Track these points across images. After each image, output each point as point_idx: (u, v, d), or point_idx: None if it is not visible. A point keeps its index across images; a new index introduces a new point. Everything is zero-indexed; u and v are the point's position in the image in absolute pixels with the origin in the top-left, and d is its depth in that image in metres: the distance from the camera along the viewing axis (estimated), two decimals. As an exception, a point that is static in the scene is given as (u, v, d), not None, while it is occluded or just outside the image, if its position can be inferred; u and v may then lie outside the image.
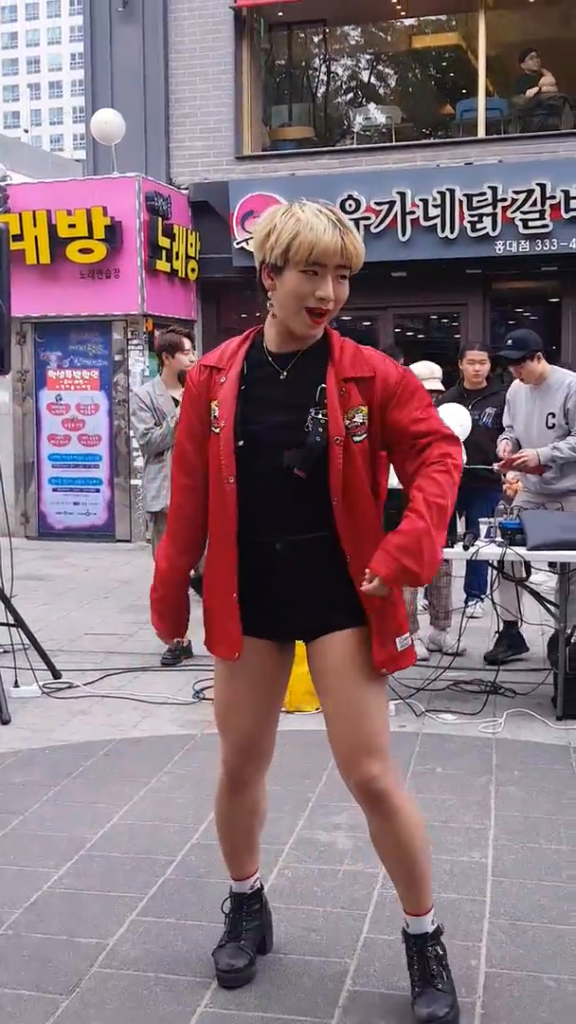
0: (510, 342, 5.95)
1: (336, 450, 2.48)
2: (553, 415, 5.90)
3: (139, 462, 7.57)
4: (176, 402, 6.13)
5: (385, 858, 2.67)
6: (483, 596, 6.95)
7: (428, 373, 6.48)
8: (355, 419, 2.51)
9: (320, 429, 2.49)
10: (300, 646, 2.72)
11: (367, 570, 2.46)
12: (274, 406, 2.54)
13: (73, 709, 5.37)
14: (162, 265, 11.38)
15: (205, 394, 2.62)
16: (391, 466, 2.64)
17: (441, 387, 6.63)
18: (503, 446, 6.13)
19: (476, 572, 6.68)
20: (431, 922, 2.66)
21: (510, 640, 6.21)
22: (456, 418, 6.20)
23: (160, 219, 11.30)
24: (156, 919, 3.15)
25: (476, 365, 7.04)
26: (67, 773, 4.42)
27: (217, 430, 2.57)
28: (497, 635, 6.30)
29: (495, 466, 6.21)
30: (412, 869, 2.62)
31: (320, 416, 2.49)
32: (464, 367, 7.16)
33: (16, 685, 5.57)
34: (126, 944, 3.00)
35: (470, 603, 6.74)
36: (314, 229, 2.40)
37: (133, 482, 10.86)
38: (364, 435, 2.53)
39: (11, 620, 5.84)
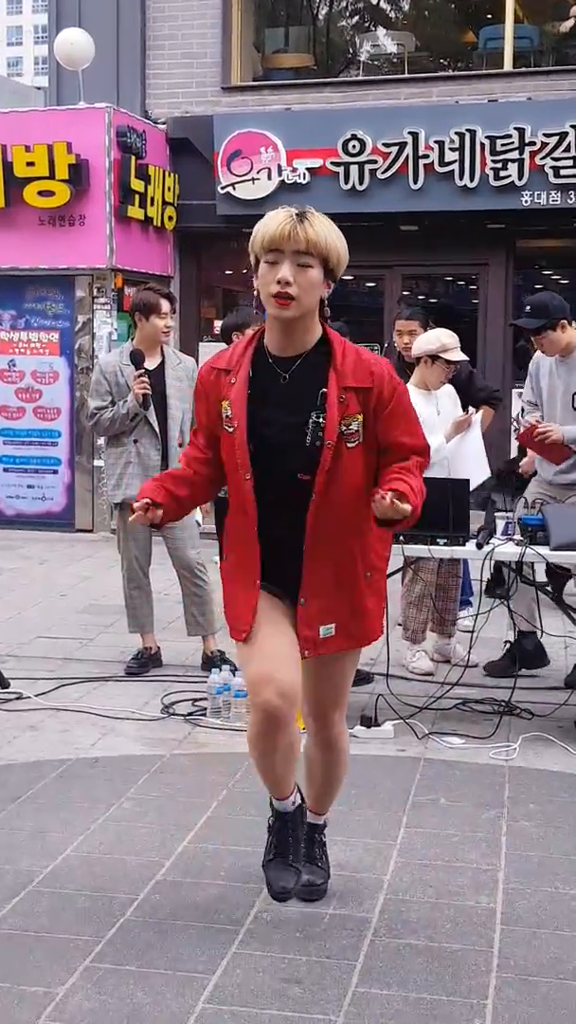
0: (528, 308, 5.97)
1: (326, 453, 3.11)
2: None
3: (102, 441, 7.54)
4: (146, 372, 6.11)
5: (315, 773, 3.58)
6: (471, 600, 7.04)
7: (453, 342, 6.49)
8: (351, 427, 3.15)
9: (320, 433, 3.12)
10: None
11: (381, 491, 3.01)
12: (277, 409, 3.16)
13: (22, 723, 5.38)
14: (135, 212, 11.35)
15: (215, 393, 3.26)
16: None
17: (464, 356, 6.63)
18: (531, 421, 6.10)
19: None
20: (324, 819, 3.68)
21: (523, 653, 6.20)
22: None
23: (133, 158, 11.27)
24: (114, 966, 3.16)
25: (404, 336, 7.09)
26: (13, 797, 4.43)
27: (231, 429, 3.19)
28: (507, 645, 6.29)
29: (515, 436, 6.32)
30: (333, 783, 3.62)
31: (320, 420, 3.12)
32: (395, 338, 7.29)
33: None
34: (78, 994, 3.01)
35: (461, 611, 6.87)
36: (269, 221, 3.08)
37: (97, 463, 10.85)
38: (358, 441, 3.17)
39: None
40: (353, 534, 3.24)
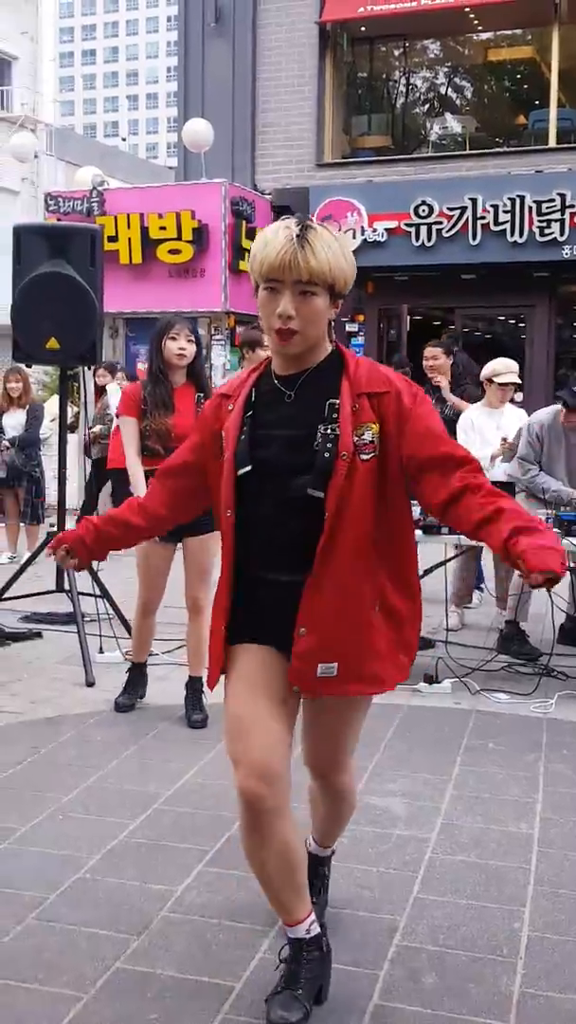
0: None
1: (340, 465, 2.23)
2: None
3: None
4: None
5: (319, 812, 2.78)
6: (482, 586, 6.95)
7: (504, 368, 6.48)
8: (364, 436, 2.25)
9: (329, 444, 2.24)
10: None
11: (531, 572, 1.98)
12: (280, 427, 2.31)
13: (152, 675, 5.43)
14: (245, 266, 11.40)
15: (215, 423, 2.44)
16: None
17: (518, 380, 6.58)
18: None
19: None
20: (330, 851, 2.90)
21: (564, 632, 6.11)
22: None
23: (244, 222, 11.35)
24: (221, 870, 3.18)
25: (429, 360, 7.07)
26: (144, 733, 4.48)
27: (223, 458, 2.37)
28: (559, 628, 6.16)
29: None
30: (340, 823, 2.82)
31: (329, 431, 2.25)
32: (423, 364, 7.24)
33: (101, 651, 5.66)
34: (193, 892, 3.04)
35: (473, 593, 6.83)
36: (267, 245, 2.21)
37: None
38: (373, 454, 2.25)
39: (97, 591, 5.94)
40: (363, 564, 2.29)
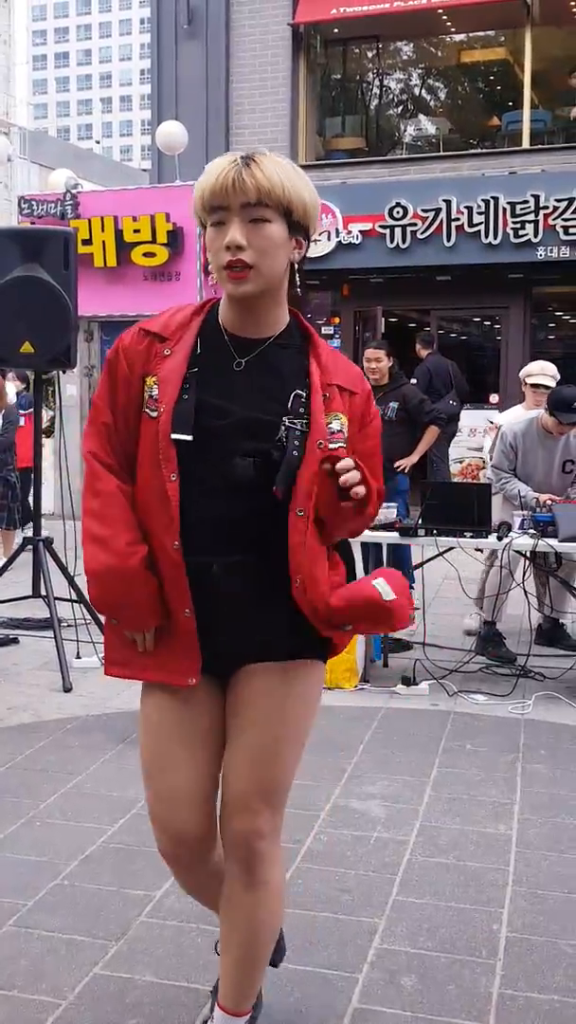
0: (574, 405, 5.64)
1: (316, 455, 1.95)
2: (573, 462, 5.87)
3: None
4: None
5: (230, 931, 2.13)
6: (412, 586, 6.96)
7: (539, 370, 6.58)
8: (332, 425, 1.99)
9: (297, 442, 1.95)
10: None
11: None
12: (232, 400, 1.98)
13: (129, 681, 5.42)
14: (220, 268, 11.42)
15: (141, 366, 2.01)
16: None
17: (548, 383, 6.57)
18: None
19: (403, 561, 6.58)
20: None
21: (541, 632, 6.18)
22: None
23: (219, 225, 11.35)
24: (200, 876, 3.18)
25: (372, 363, 6.96)
26: (122, 738, 4.47)
27: (155, 414, 1.98)
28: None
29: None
30: (250, 955, 2.12)
31: (297, 426, 1.96)
32: (363, 366, 7.11)
33: (78, 656, 5.65)
34: (171, 897, 3.03)
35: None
36: (209, 171, 1.93)
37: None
38: (341, 444, 2.00)
39: (74, 596, 5.93)
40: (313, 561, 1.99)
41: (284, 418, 1.97)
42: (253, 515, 1.97)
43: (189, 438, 1.95)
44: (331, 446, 1.97)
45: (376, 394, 6.96)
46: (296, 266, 2.00)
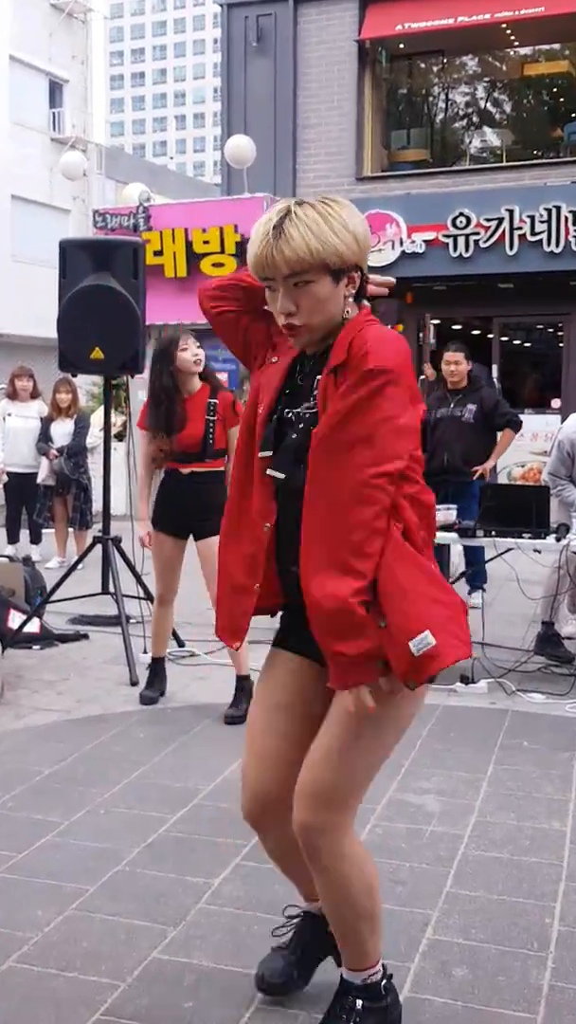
0: None
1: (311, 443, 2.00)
2: None
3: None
4: None
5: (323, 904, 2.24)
6: (484, 587, 6.84)
7: None
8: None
9: (301, 425, 2.05)
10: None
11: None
12: (288, 406, 2.12)
13: (194, 675, 5.46)
14: (287, 277, 11.44)
15: (263, 351, 2.22)
16: None
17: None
18: None
19: (476, 562, 6.54)
20: (364, 979, 2.21)
21: None
22: None
23: (286, 235, 11.37)
24: (257, 864, 3.17)
25: (452, 366, 6.88)
26: (186, 730, 4.50)
27: (260, 409, 2.14)
28: None
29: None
30: (340, 927, 2.20)
31: (304, 411, 2.06)
32: (442, 368, 7.05)
33: (145, 652, 5.68)
34: (229, 885, 3.04)
35: (472, 594, 6.71)
36: (251, 242, 2.01)
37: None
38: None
39: (141, 594, 5.98)
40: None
41: (304, 403, 2.07)
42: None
43: (269, 454, 2.13)
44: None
45: (455, 397, 6.95)
46: (362, 284, 2.04)
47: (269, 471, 2.07)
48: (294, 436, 2.05)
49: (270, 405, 2.11)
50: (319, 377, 2.03)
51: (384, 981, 2.22)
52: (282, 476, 2.05)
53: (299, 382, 2.13)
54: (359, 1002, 2.19)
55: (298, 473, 2.01)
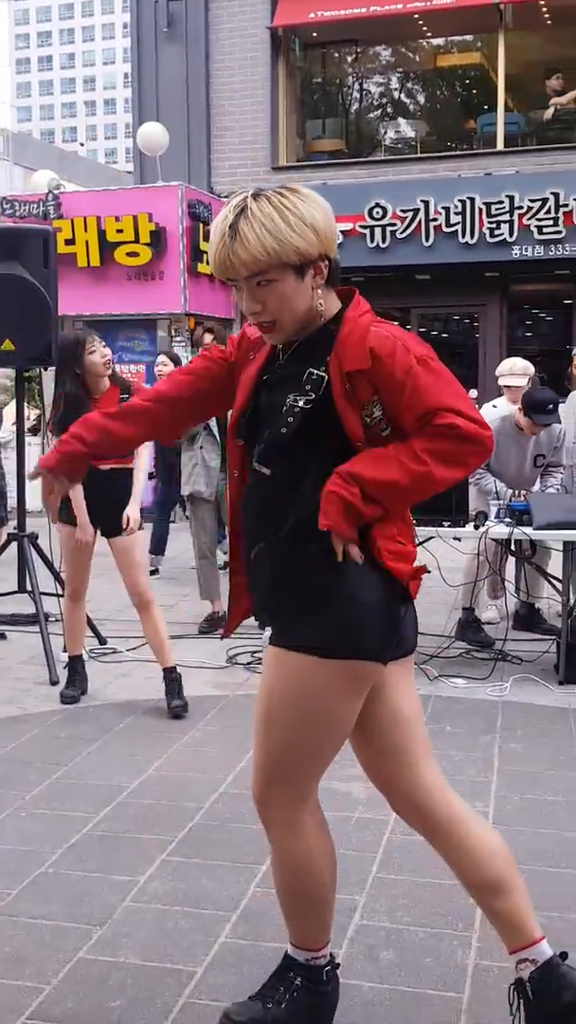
0: (551, 407, 5.72)
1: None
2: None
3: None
4: None
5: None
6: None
7: (508, 370, 6.56)
8: (375, 414, 2.00)
9: (291, 419, 1.99)
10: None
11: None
12: (269, 395, 2.08)
13: (116, 672, 5.43)
14: (203, 268, 11.36)
15: (238, 355, 2.21)
16: None
17: (516, 382, 6.49)
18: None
19: None
20: (308, 959, 2.24)
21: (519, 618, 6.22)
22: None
23: (201, 225, 11.30)
24: (183, 859, 3.18)
25: None
26: (108, 729, 4.47)
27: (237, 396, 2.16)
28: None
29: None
30: (286, 902, 2.24)
31: (297, 403, 1.99)
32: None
33: (64, 650, 5.62)
34: (155, 881, 3.04)
35: None
36: (211, 244, 1.99)
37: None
38: (387, 431, 2.02)
39: (59, 591, 5.91)
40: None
41: (291, 395, 2.01)
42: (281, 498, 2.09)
43: (241, 443, 2.17)
44: (383, 433, 2.01)
45: None
46: (330, 272, 2.02)
47: (256, 465, 2.08)
48: (283, 431, 2.00)
49: (248, 396, 2.12)
50: (312, 371, 2.00)
51: (328, 968, 2.26)
52: (267, 471, 2.06)
53: (277, 371, 2.10)
54: (299, 979, 2.23)
55: (282, 468, 2.04)
